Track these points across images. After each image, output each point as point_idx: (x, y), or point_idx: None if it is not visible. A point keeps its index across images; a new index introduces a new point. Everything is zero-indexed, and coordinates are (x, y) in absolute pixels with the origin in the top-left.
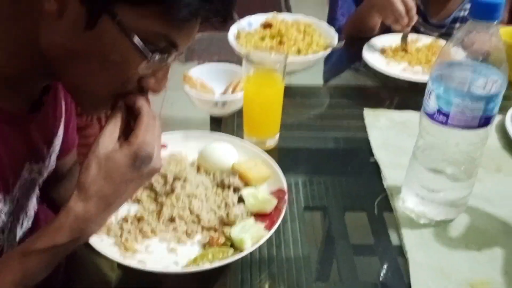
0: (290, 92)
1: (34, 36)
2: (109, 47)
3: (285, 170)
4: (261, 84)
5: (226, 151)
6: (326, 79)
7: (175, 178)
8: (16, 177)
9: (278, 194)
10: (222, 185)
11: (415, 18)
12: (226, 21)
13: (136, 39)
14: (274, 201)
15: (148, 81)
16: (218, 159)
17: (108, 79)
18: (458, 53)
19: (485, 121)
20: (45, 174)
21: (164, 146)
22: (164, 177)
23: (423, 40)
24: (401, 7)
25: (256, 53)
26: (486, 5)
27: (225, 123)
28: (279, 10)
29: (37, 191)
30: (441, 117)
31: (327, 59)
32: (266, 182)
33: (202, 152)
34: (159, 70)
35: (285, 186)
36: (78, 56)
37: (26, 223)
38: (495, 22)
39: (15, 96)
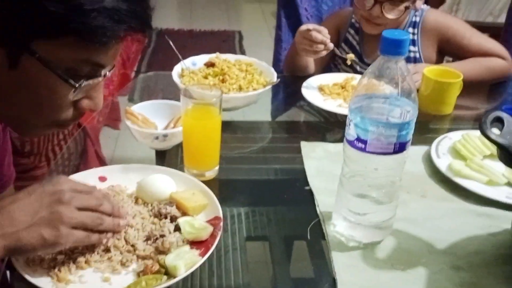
0: (232, 127)
1: None
2: (36, 82)
3: (225, 201)
4: (198, 118)
5: (164, 182)
6: (273, 116)
7: None
8: None
9: (214, 221)
10: (159, 215)
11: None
12: (145, 32)
13: (60, 71)
14: (210, 228)
15: (82, 104)
16: (155, 190)
17: (41, 110)
18: (371, 86)
19: (400, 147)
20: None
21: (104, 178)
22: None
23: (358, 78)
24: (307, 28)
25: (193, 88)
26: (394, 41)
27: (169, 156)
28: (234, 53)
29: None
30: (360, 144)
31: (273, 97)
32: (204, 211)
33: (140, 184)
34: (91, 90)
35: (220, 214)
36: (9, 91)
37: None
38: (402, 57)
39: None
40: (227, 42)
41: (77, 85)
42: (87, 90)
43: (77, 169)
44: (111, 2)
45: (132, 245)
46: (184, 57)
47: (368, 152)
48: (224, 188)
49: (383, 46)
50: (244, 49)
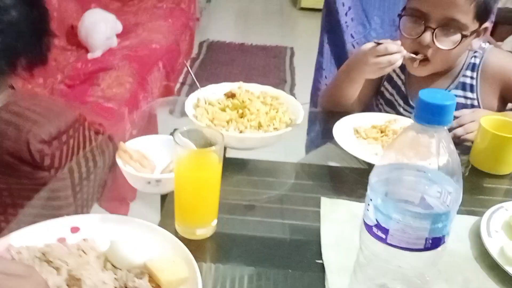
0: (246, 168)
1: None
2: None
3: (224, 261)
4: (192, 169)
5: (139, 244)
6: (307, 152)
7: (70, 275)
8: None
9: None
10: None
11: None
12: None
13: None
14: None
15: None
16: (127, 254)
17: None
18: (401, 156)
19: (433, 243)
20: None
21: (76, 229)
22: (58, 270)
23: (401, 122)
24: (374, 44)
25: (188, 131)
26: (434, 107)
27: (168, 201)
28: (284, 75)
29: None
30: (380, 232)
31: (300, 134)
32: (182, 286)
33: (112, 243)
34: None
35: None
36: None
37: None
38: (444, 127)
39: None
40: (277, 58)
41: None
42: None
43: (104, 184)
44: None
45: None
46: (227, 74)
47: (390, 245)
48: (224, 244)
49: (419, 111)
50: (294, 66)
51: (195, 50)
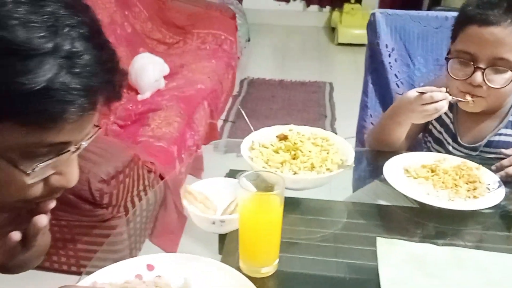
0: (300, 206)
1: None
2: None
3: None
4: (256, 211)
5: (211, 283)
6: (355, 189)
7: None
8: None
9: None
10: None
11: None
12: (110, 103)
13: (11, 155)
14: None
15: (52, 180)
16: None
17: (5, 193)
18: None
19: None
20: None
21: (152, 267)
22: None
23: (450, 161)
24: (421, 91)
25: (251, 175)
26: None
27: (230, 240)
28: (324, 110)
29: None
30: None
31: (356, 168)
32: None
33: (185, 282)
34: (61, 165)
35: None
36: None
37: None
38: None
39: None
40: (317, 93)
41: (28, 171)
42: (55, 166)
43: (155, 220)
44: (58, 80)
45: None
46: (268, 110)
47: None
48: (285, 281)
49: None
50: (334, 101)
51: (236, 88)
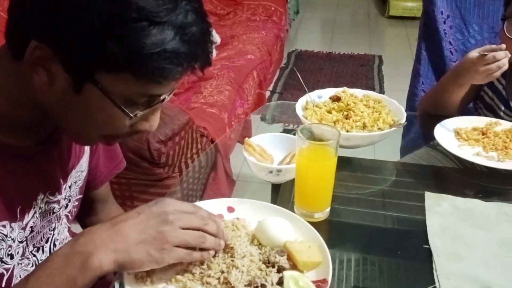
0: (352, 165)
1: (32, 96)
2: (96, 108)
3: (335, 244)
4: (312, 159)
5: (282, 227)
6: (402, 155)
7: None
8: (27, 207)
9: (320, 283)
10: (267, 262)
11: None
12: (203, 71)
13: (119, 101)
14: None
15: (138, 125)
16: (271, 234)
17: (98, 129)
18: None
19: None
20: (70, 206)
21: (232, 209)
22: None
23: (502, 125)
24: (485, 50)
25: (311, 127)
26: None
27: (284, 189)
28: (372, 83)
29: (65, 222)
30: None
31: (402, 135)
32: (315, 269)
33: (259, 224)
34: (148, 113)
35: (330, 276)
36: (70, 112)
37: None
38: None
39: (23, 134)
40: (365, 66)
41: (132, 115)
42: (144, 114)
43: (206, 181)
44: (172, 45)
45: (233, 287)
46: (315, 82)
47: None
48: (335, 230)
49: None
50: (383, 74)
51: (284, 60)
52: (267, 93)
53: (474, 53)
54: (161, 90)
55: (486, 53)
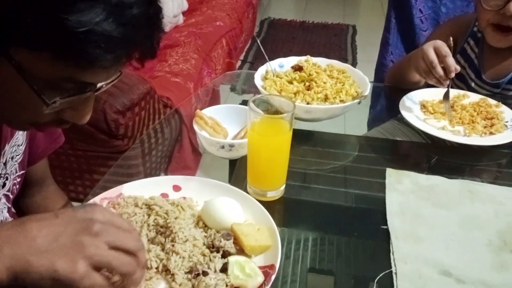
0: (312, 139)
1: None
2: (11, 86)
3: (290, 223)
4: (265, 133)
5: (230, 208)
6: (369, 128)
7: (164, 226)
8: None
9: (268, 269)
10: (211, 246)
11: (453, 68)
12: (144, 60)
13: (36, 83)
14: (259, 279)
15: (65, 114)
16: (218, 216)
17: (16, 111)
18: None
19: None
20: (8, 184)
21: (178, 188)
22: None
23: (470, 98)
24: (432, 55)
25: (261, 98)
26: None
27: (239, 166)
28: (345, 53)
29: (4, 202)
30: None
31: (366, 107)
32: (264, 253)
33: (206, 204)
34: (77, 103)
35: (278, 262)
36: None
37: None
38: None
39: None
40: (338, 36)
41: (49, 102)
42: (72, 102)
43: (171, 154)
44: (103, 27)
45: (172, 274)
46: (287, 52)
47: None
48: (290, 209)
49: None
50: (356, 44)
51: (256, 28)
52: (238, 63)
53: (430, 49)
54: (90, 77)
55: (443, 53)
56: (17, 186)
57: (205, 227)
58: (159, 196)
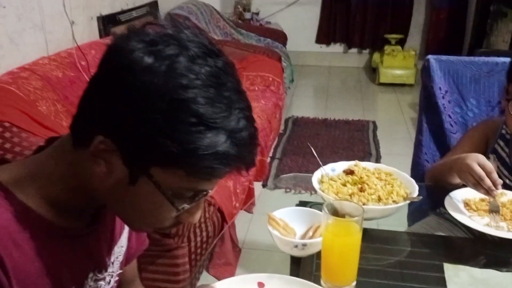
0: (368, 236)
1: (88, 184)
2: (146, 199)
3: None
4: (339, 234)
5: None
6: (410, 223)
7: None
8: (80, 286)
9: None
10: None
11: (499, 182)
12: (249, 169)
13: (168, 194)
14: None
15: (182, 217)
16: None
17: (145, 219)
18: None
19: None
20: (112, 282)
21: (262, 284)
22: None
23: (508, 195)
24: (479, 170)
25: (335, 203)
26: None
27: (304, 263)
28: (368, 148)
29: None
30: None
31: (412, 204)
32: None
33: None
34: (193, 207)
35: None
36: (122, 201)
37: None
38: None
39: (73, 216)
40: (361, 131)
41: (179, 207)
42: (190, 207)
43: (212, 250)
44: (224, 148)
45: None
46: (314, 148)
47: None
48: None
49: None
50: (378, 138)
51: (282, 126)
52: (268, 159)
53: (475, 165)
54: (207, 186)
55: (488, 169)
56: (116, 284)
57: None
58: None
